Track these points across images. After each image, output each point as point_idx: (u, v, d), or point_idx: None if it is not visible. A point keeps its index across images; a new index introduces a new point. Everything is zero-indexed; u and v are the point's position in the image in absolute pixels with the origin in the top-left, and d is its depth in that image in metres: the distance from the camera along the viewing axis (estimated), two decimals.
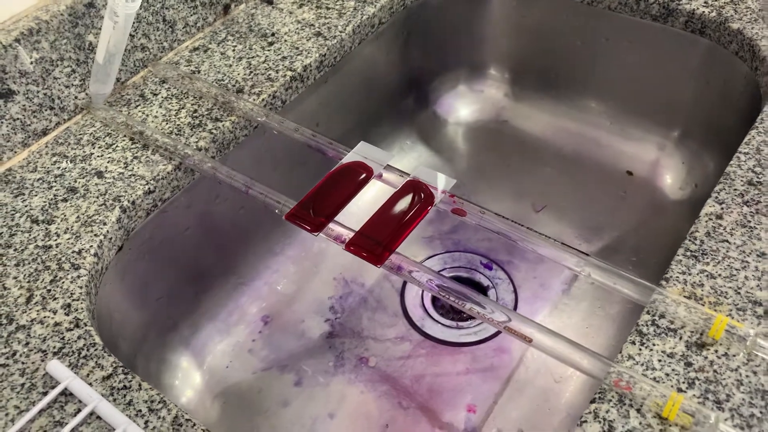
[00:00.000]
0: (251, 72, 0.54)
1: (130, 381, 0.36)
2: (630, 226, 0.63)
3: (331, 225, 0.41)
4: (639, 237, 0.62)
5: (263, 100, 0.52)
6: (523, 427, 0.50)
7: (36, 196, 0.46)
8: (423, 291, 0.60)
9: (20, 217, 0.45)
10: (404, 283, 0.60)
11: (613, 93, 0.65)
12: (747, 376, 0.33)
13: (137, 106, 0.52)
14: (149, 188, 0.47)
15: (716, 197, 0.41)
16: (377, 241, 0.39)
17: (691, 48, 0.57)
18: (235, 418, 0.53)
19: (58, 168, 0.48)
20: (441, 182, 0.42)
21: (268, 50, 0.56)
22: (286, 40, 0.57)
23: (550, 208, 0.65)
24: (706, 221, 0.40)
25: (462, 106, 0.72)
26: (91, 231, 0.44)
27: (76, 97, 0.51)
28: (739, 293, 0.36)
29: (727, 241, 0.39)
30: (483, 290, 0.60)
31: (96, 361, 0.37)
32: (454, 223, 0.65)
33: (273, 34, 0.58)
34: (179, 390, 0.52)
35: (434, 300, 0.59)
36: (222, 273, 0.57)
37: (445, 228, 0.65)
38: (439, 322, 0.57)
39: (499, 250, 0.62)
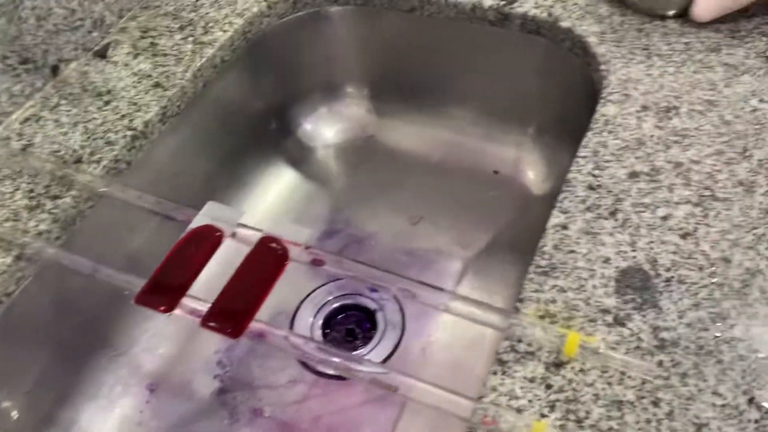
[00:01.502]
0: (89, 137, 0.51)
1: None
2: (503, 225, 0.64)
3: (184, 300, 0.39)
4: (512, 234, 0.63)
5: (104, 166, 0.50)
6: None
7: None
8: (312, 328, 0.59)
9: None
10: (291, 322, 0.59)
11: (470, 98, 0.66)
12: (603, 388, 0.34)
13: None
14: None
15: (560, 207, 0.42)
16: (235, 310, 0.38)
17: (531, 48, 0.58)
18: None
19: None
20: (296, 235, 0.41)
21: (105, 110, 0.53)
22: (123, 96, 0.54)
23: (427, 219, 0.66)
24: (553, 233, 0.41)
25: (326, 128, 0.71)
26: None
27: None
28: (588, 304, 0.37)
29: (573, 251, 0.40)
30: (371, 314, 0.60)
31: None
32: (335, 249, 0.65)
33: (109, 92, 0.55)
34: None
35: (324, 335, 0.59)
36: (95, 348, 0.54)
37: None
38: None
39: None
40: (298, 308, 0.60)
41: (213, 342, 0.58)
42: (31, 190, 0.48)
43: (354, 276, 0.41)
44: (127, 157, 0.51)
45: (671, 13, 0.49)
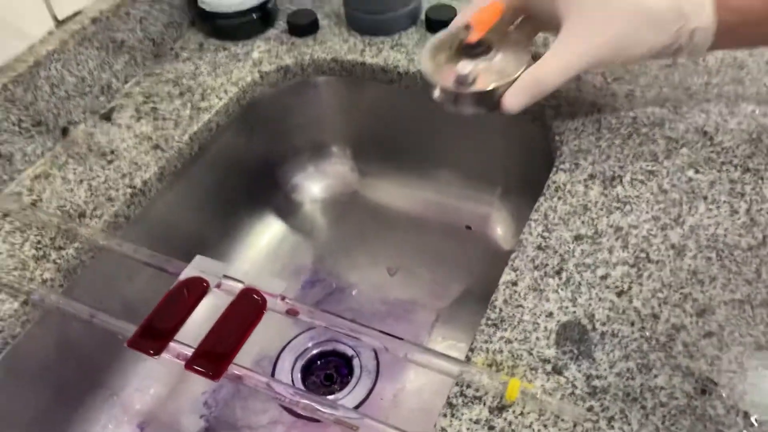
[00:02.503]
0: (92, 194, 0.57)
1: None
2: (475, 278, 0.69)
3: (171, 344, 0.44)
4: (482, 287, 0.67)
5: (105, 221, 0.55)
6: None
7: None
8: (293, 371, 0.63)
9: None
10: (273, 366, 0.64)
11: (445, 160, 0.72)
12: (539, 430, 0.39)
13: None
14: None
15: (512, 265, 0.47)
16: (216, 354, 0.43)
17: (498, 118, 0.64)
18: None
19: None
20: (273, 287, 0.46)
21: (108, 169, 0.59)
22: (125, 156, 0.60)
23: (404, 270, 0.71)
24: (504, 289, 0.46)
25: (313, 185, 0.76)
26: None
27: None
28: (531, 354, 0.42)
29: (521, 305, 0.45)
30: (348, 359, 0.64)
31: None
32: (318, 298, 0.70)
33: (112, 152, 0.60)
34: None
35: (304, 378, 0.63)
36: (90, 387, 0.59)
37: (310, 302, 0.69)
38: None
39: (361, 319, 0.66)
40: (279, 354, 0.64)
41: (200, 384, 0.62)
42: (39, 242, 0.53)
43: (326, 326, 0.46)
44: (126, 212, 0.57)
45: (482, 108, 0.49)
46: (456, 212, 0.73)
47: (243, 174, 0.72)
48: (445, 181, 0.72)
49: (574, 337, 0.43)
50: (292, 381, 0.62)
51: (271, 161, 0.74)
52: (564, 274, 0.46)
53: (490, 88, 0.48)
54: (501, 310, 0.45)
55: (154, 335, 0.44)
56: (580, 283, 0.45)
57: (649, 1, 0.44)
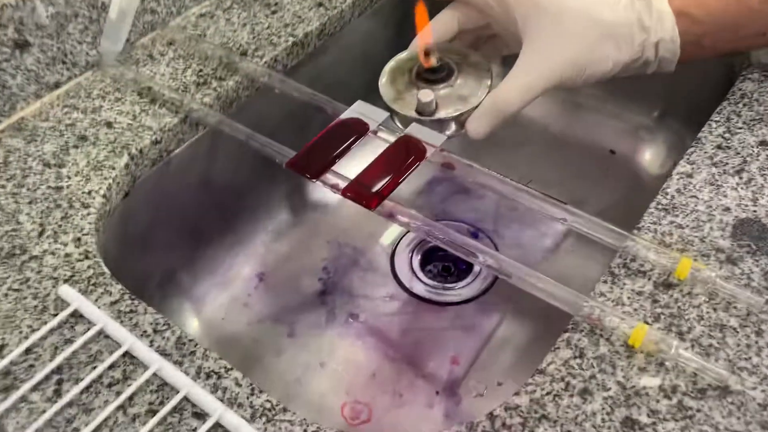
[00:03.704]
0: (255, 37, 0.57)
1: (137, 306, 0.39)
2: (611, 202, 0.66)
3: (328, 174, 0.43)
4: (619, 212, 0.64)
5: (265, 62, 0.55)
6: (502, 379, 0.53)
7: (48, 142, 0.49)
8: (412, 255, 0.63)
9: (33, 160, 0.47)
10: (394, 248, 0.63)
11: None
12: (708, 312, 0.36)
13: (146, 65, 0.55)
14: (156, 138, 0.49)
15: (687, 158, 0.44)
16: (370, 188, 0.42)
17: None
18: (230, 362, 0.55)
19: (69, 118, 0.50)
20: (434, 139, 0.45)
21: (271, 18, 0.59)
22: (288, 9, 0.60)
23: (536, 184, 0.68)
24: (678, 179, 0.43)
25: None
26: (101, 174, 0.46)
27: (87, 54, 0.54)
28: (704, 241, 0.39)
29: (696, 197, 0.42)
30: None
31: (105, 288, 0.40)
32: (443, 195, 0.68)
33: (276, 3, 0.60)
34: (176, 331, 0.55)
35: (423, 264, 0.62)
36: (220, 230, 0.60)
37: (435, 199, 0.68)
38: (426, 284, 0.60)
39: (485, 220, 0.65)
40: (398, 242, 0.63)
41: (323, 250, 0.62)
42: (200, 70, 0.54)
43: (480, 184, 0.44)
44: (285, 60, 0.57)
45: (448, 133, 0.45)
46: (601, 133, 0.69)
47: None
48: (595, 99, 0.69)
49: (753, 233, 0.40)
50: (412, 268, 0.62)
51: None
52: (745, 175, 0.43)
53: (452, 116, 0.45)
54: (673, 197, 0.42)
55: (313, 162, 0.44)
56: (763, 186, 0.42)
57: (606, 16, 0.42)
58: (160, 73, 0.54)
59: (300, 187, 0.65)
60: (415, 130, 0.46)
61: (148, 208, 0.51)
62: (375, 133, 0.47)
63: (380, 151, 0.45)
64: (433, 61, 0.46)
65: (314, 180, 0.43)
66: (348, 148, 0.45)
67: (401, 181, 0.43)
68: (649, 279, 0.38)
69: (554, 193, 0.68)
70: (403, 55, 0.49)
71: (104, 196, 0.45)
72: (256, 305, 0.59)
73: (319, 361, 0.55)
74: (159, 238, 0.54)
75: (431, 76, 0.46)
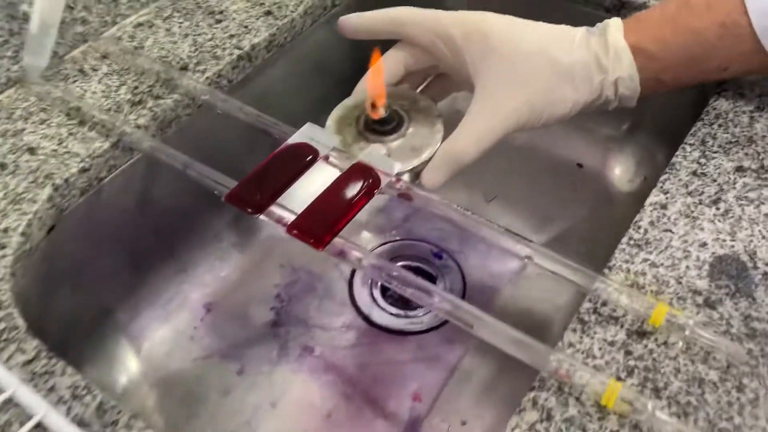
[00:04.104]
0: (196, 49, 0.52)
1: (54, 365, 0.34)
2: (579, 218, 0.63)
3: (273, 207, 0.39)
4: (587, 228, 0.62)
5: (208, 78, 0.51)
6: (467, 417, 0.50)
7: None
8: (371, 280, 0.59)
9: None
10: (353, 272, 0.59)
11: None
12: (685, 364, 0.33)
13: (75, 81, 0.50)
14: (84, 166, 0.44)
15: (661, 187, 0.41)
16: (320, 224, 0.38)
17: None
18: (173, 405, 0.51)
19: None
20: (390, 167, 0.41)
21: (215, 27, 0.54)
22: (234, 18, 0.55)
23: (501, 199, 0.65)
24: (651, 210, 0.40)
25: None
26: (20, 209, 0.41)
27: (8, 70, 0.49)
28: (680, 283, 0.36)
29: (670, 230, 0.39)
30: (432, 279, 0.59)
31: (18, 345, 0.35)
32: (406, 212, 0.65)
33: (221, 12, 0.56)
34: (114, 377, 0.50)
35: (383, 290, 0.58)
36: (162, 258, 0.55)
37: (398, 216, 0.64)
38: (387, 311, 0.57)
39: (450, 240, 0.62)
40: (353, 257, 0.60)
41: (275, 276, 0.58)
42: (136, 87, 0.49)
43: (441, 215, 0.41)
44: (230, 75, 0.52)
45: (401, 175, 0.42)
46: (568, 146, 0.66)
47: (344, 70, 0.66)
48: None
49: (732, 273, 0.37)
50: (371, 294, 0.58)
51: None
52: (722, 205, 0.40)
53: (406, 170, 0.42)
54: (646, 231, 0.39)
55: (255, 195, 0.40)
56: (740, 217, 0.39)
57: (561, 57, 0.40)
58: (91, 91, 0.49)
59: None
60: (370, 157, 0.42)
61: (78, 242, 0.47)
62: (326, 158, 0.43)
63: (331, 179, 0.42)
64: (381, 112, 0.42)
65: (257, 215, 0.39)
66: (296, 177, 0.42)
67: (353, 216, 0.39)
68: (621, 326, 0.35)
69: (521, 209, 0.66)
70: (349, 102, 0.45)
71: (23, 233, 0.41)
72: (203, 339, 0.54)
73: (270, 401, 0.51)
74: (92, 273, 0.49)
75: (380, 127, 0.43)
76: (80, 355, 0.48)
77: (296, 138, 0.43)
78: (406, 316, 0.56)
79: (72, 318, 0.48)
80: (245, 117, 0.46)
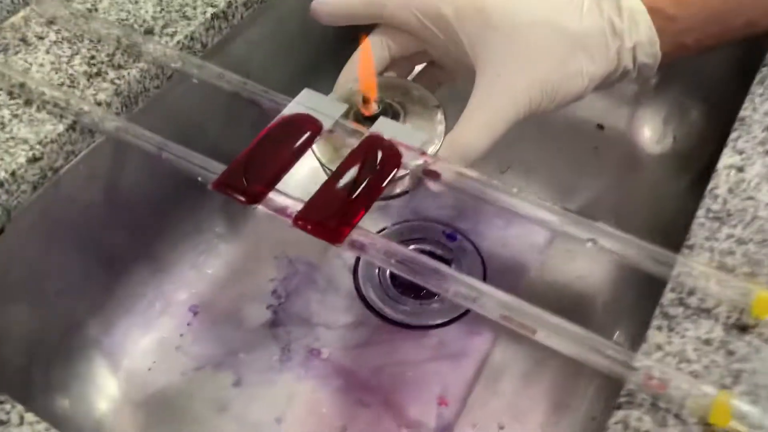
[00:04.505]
0: (162, 9, 0.44)
1: (9, 413, 0.27)
2: (604, 186, 0.56)
3: (271, 194, 0.32)
4: (615, 197, 0.55)
5: (178, 42, 0.42)
6: (505, 420, 0.44)
7: None
8: (379, 267, 0.52)
9: None
10: (357, 260, 0.52)
11: None
12: None
13: (17, 52, 0.42)
14: (34, 155, 0.36)
15: (734, 146, 0.35)
16: (334, 214, 0.31)
17: None
18: (162, 429, 0.44)
19: None
20: (412, 137, 0.34)
21: None
22: None
23: (516, 169, 0.58)
24: (726, 175, 0.34)
25: None
26: None
27: None
28: None
29: (753, 198, 0.32)
30: (446, 263, 0.53)
31: None
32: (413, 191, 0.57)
33: None
34: (90, 403, 0.43)
35: (393, 277, 0.51)
36: (137, 257, 0.47)
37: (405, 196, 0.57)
38: (400, 303, 0.50)
39: (462, 218, 0.55)
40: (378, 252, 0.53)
41: (269, 269, 0.51)
42: (93, 57, 0.41)
43: (476, 196, 0.34)
44: (204, 37, 0.44)
45: (400, 190, 0.36)
46: (586, 106, 0.59)
47: (331, 29, 0.59)
48: None
49: None
50: (381, 284, 0.51)
51: None
52: None
53: (408, 171, 0.34)
54: (726, 201, 0.32)
55: (249, 180, 0.32)
56: None
57: (570, 25, 0.35)
58: (38, 63, 0.41)
59: None
60: (384, 128, 0.35)
61: (34, 246, 0.39)
62: (330, 133, 0.35)
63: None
64: (374, 108, 0.35)
65: (253, 206, 0.32)
66: (296, 157, 0.34)
67: (373, 201, 0.32)
68: (716, 320, 0.28)
69: (538, 179, 0.59)
70: (333, 97, 0.37)
71: None
72: (192, 348, 0.47)
73: (275, 416, 0.44)
74: (54, 282, 0.41)
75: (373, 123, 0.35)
76: (47, 383, 0.41)
77: (292, 108, 0.36)
78: (421, 307, 0.50)
79: (34, 338, 0.40)
80: (228, 86, 0.38)
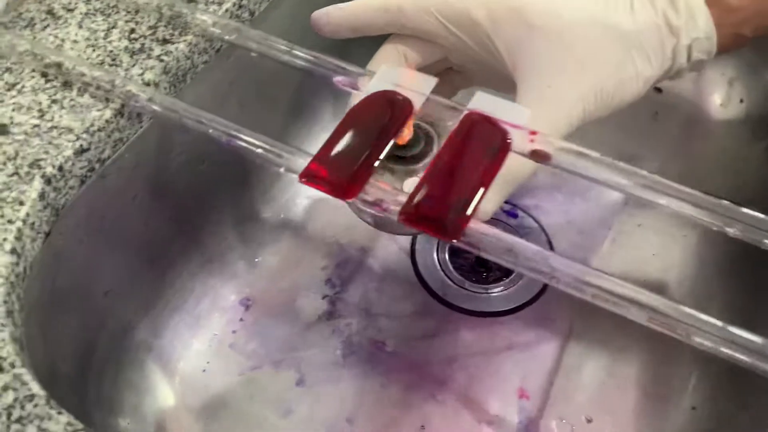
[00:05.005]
0: None
1: None
2: (667, 155, 0.53)
3: (369, 186, 0.28)
4: (680, 167, 0.52)
5: (226, 10, 0.38)
6: (591, 412, 0.41)
7: None
8: (437, 250, 0.49)
9: None
10: (413, 242, 0.49)
11: None
12: None
13: (45, 27, 0.37)
14: (82, 145, 0.32)
15: None
16: (447, 208, 0.27)
17: None
18: None
19: None
20: (516, 114, 0.30)
21: None
22: None
23: (576, 138, 0.55)
24: None
25: None
26: (2, 216, 0.29)
27: None
28: None
29: None
30: None
31: (39, 425, 0.24)
32: None
33: None
34: (146, 411, 0.39)
35: (452, 257, 0.48)
36: (184, 250, 0.44)
37: None
38: (465, 288, 0.47)
39: (521, 194, 0.51)
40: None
41: (321, 256, 0.47)
42: (133, 30, 0.36)
43: (587, 177, 0.30)
44: (252, 4, 0.40)
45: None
46: None
47: None
48: None
49: None
50: (441, 267, 0.48)
51: None
52: None
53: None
54: None
55: (339, 170, 0.29)
56: None
57: (622, 23, 0.31)
58: (71, 39, 0.36)
59: (281, 177, 0.49)
60: (481, 104, 0.31)
61: (81, 246, 0.35)
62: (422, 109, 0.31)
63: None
64: (406, 134, 0.31)
65: (350, 200, 0.28)
66: (387, 141, 0.30)
67: (487, 190, 0.28)
68: None
69: (595, 149, 0.56)
70: None
71: (13, 251, 0.29)
72: (247, 345, 0.44)
73: (346, 417, 0.41)
74: (100, 285, 0.37)
75: (406, 153, 0.32)
76: (99, 394, 0.37)
77: (376, 85, 0.32)
78: (487, 292, 0.47)
79: (84, 348, 0.36)
80: (297, 61, 0.33)
